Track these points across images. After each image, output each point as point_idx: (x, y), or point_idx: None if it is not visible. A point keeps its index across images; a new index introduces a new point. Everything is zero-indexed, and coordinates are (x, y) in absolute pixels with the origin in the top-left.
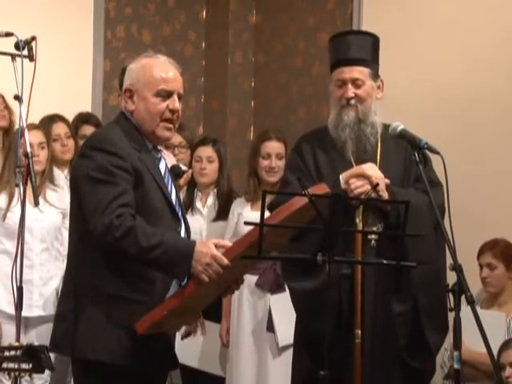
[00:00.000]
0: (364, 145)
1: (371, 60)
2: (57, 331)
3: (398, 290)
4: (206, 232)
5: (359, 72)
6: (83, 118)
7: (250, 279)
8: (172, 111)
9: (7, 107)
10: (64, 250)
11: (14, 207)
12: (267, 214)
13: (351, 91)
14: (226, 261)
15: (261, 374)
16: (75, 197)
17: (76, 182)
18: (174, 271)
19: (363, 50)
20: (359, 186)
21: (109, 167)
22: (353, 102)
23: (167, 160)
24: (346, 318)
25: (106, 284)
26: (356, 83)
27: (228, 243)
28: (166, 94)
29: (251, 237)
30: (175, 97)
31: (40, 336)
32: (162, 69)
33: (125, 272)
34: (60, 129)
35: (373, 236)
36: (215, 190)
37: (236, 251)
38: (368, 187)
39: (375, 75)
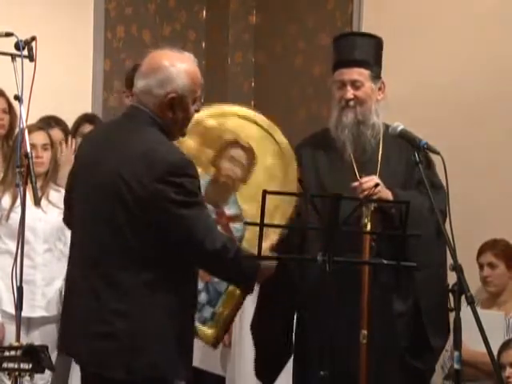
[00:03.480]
0: (363, 146)
1: (372, 62)
2: (106, 350)
3: (398, 289)
4: None
5: (359, 73)
6: (88, 117)
7: None
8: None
9: (10, 111)
10: (66, 250)
11: (18, 207)
12: None
13: (350, 93)
14: None
15: None
16: (150, 218)
17: (162, 208)
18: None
19: (364, 51)
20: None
21: (194, 190)
22: (352, 103)
23: None
24: (346, 318)
25: (168, 301)
26: (355, 85)
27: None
28: (198, 99)
29: None
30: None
31: (43, 337)
32: (196, 72)
33: (183, 288)
34: (57, 136)
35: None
36: None
37: None
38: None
39: (376, 77)
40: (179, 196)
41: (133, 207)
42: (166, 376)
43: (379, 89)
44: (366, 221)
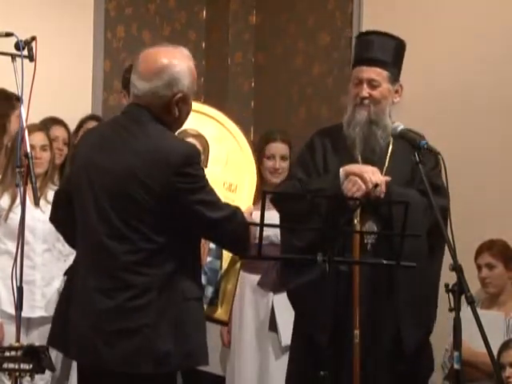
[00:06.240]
0: (373, 146)
1: (392, 63)
2: (127, 348)
3: (390, 291)
4: None
5: (377, 73)
6: (92, 116)
7: (253, 278)
8: None
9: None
10: (65, 250)
11: (17, 208)
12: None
13: (365, 91)
14: None
15: (262, 373)
16: (164, 207)
17: (181, 198)
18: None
19: (385, 51)
20: (350, 190)
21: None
22: (366, 101)
23: None
24: (341, 318)
25: (187, 289)
26: (372, 84)
27: None
28: None
29: None
30: None
31: (42, 337)
32: (194, 67)
33: (197, 272)
34: (59, 132)
35: (369, 241)
36: None
37: None
38: (362, 191)
39: (394, 79)
40: (193, 184)
41: (150, 205)
42: (199, 362)
43: (396, 91)
44: (356, 222)
